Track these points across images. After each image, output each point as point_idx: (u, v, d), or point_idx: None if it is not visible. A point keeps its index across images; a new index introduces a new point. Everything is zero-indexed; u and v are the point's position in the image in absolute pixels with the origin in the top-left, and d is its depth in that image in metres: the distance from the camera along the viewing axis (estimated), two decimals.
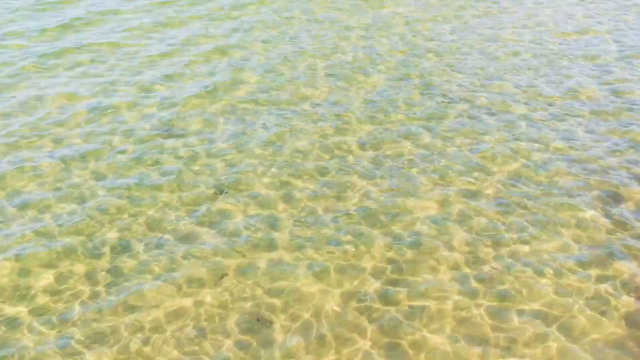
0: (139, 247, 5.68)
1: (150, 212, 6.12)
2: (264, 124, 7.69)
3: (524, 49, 9.92)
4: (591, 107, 8.13)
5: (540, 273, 5.41)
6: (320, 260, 5.55)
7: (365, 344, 4.74)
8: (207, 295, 5.16)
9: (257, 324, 4.92)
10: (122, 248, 5.66)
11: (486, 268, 5.46)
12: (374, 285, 5.28)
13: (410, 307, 5.06)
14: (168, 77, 8.86)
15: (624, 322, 4.94)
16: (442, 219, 6.05)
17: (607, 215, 6.12)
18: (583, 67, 9.32)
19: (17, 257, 5.50)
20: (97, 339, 4.74)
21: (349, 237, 5.81)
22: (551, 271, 5.43)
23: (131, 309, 5.02)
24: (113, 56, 9.54)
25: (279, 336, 4.80)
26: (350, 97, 8.37)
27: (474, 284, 5.30)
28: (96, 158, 6.96)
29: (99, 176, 6.65)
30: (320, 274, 5.39)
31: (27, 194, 6.36)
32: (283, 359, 4.61)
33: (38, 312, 4.98)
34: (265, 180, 6.62)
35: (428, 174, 6.73)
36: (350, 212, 6.15)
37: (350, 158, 7.03)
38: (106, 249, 5.64)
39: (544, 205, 6.23)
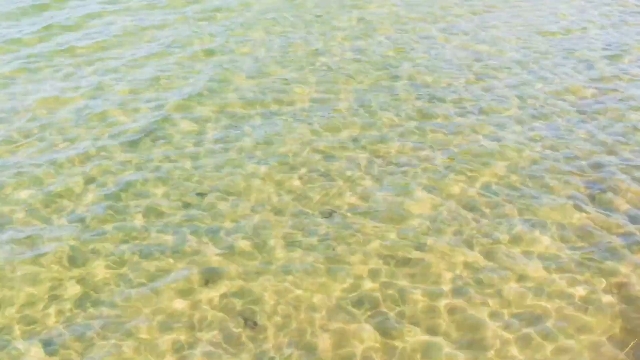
0: (125, 250, 5.64)
1: (138, 215, 6.07)
2: (252, 125, 7.65)
3: (509, 47, 9.95)
4: (578, 104, 8.18)
5: (527, 272, 5.43)
6: (311, 261, 5.53)
7: (360, 345, 4.73)
8: (198, 297, 5.14)
9: (245, 326, 4.89)
10: (109, 252, 5.61)
11: (478, 268, 5.48)
12: (368, 285, 5.27)
13: (402, 306, 5.06)
14: (154, 80, 8.78)
15: (609, 321, 4.96)
16: (433, 219, 6.05)
17: (594, 213, 6.15)
18: (569, 64, 9.36)
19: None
20: (79, 341, 4.70)
21: (341, 239, 5.79)
22: (539, 269, 5.45)
23: (118, 314, 4.98)
24: (98, 59, 9.44)
25: (269, 338, 4.77)
26: (339, 98, 8.35)
27: (466, 283, 5.31)
28: (82, 162, 6.89)
29: (86, 180, 6.59)
30: (311, 275, 5.37)
31: (13, 196, 6.30)
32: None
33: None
34: (255, 181, 6.58)
35: (418, 174, 6.72)
36: (342, 213, 6.13)
37: (340, 158, 7.01)
38: (92, 253, 5.59)
39: (533, 203, 6.26)
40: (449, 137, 7.42)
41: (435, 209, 6.20)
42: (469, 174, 6.73)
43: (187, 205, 6.24)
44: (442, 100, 8.29)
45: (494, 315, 5.01)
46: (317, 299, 5.14)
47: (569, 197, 6.36)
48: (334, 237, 5.81)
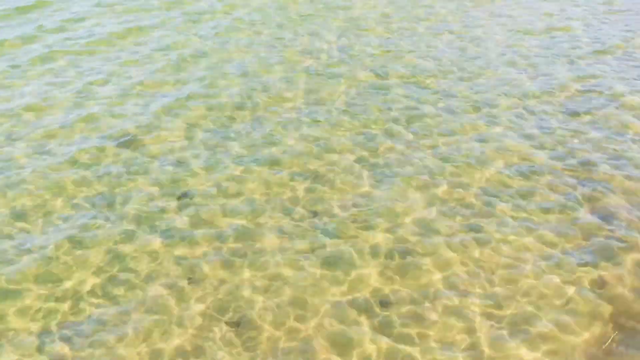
0: (113, 252, 5.58)
1: (126, 217, 6.02)
2: (241, 128, 7.61)
3: (496, 46, 9.98)
4: (564, 101, 8.21)
5: (519, 271, 5.44)
6: (304, 263, 5.50)
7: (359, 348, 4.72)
8: (195, 301, 5.10)
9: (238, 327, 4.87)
10: (97, 254, 5.56)
11: (472, 267, 5.48)
12: (366, 289, 5.25)
13: (402, 309, 5.05)
14: (141, 83, 8.71)
15: (590, 319, 4.98)
16: (426, 219, 6.04)
17: (582, 211, 6.17)
18: (555, 62, 9.40)
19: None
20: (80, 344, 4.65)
21: (334, 240, 5.77)
22: (529, 268, 5.47)
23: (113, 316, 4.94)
24: (83, 62, 9.36)
25: (265, 341, 4.75)
26: (327, 98, 8.32)
27: (459, 281, 5.31)
28: (68, 167, 6.82)
29: (73, 183, 6.52)
30: (306, 278, 5.34)
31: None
32: None
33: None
34: (250, 185, 6.55)
35: (408, 173, 6.72)
36: (335, 214, 6.10)
37: (330, 159, 6.98)
38: (82, 260, 5.53)
39: (522, 201, 6.27)
40: (437, 136, 7.41)
41: (426, 208, 6.19)
42: (458, 172, 6.73)
43: (172, 208, 6.20)
44: (430, 99, 8.28)
45: (483, 315, 5.01)
46: (310, 300, 5.11)
47: (559, 195, 6.37)
48: (323, 237, 5.79)
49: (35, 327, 4.88)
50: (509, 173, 6.73)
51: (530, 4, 12.00)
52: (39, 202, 6.27)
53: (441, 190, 6.47)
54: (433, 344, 4.75)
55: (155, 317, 4.97)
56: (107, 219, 6.04)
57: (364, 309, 5.05)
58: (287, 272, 5.41)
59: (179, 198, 6.34)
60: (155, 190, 6.47)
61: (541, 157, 7.01)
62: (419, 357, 4.64)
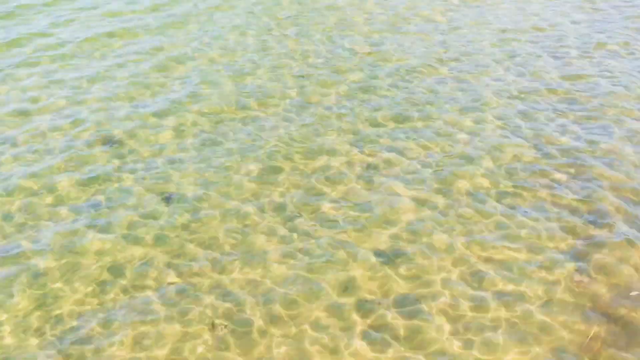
0: (105, 256, 5.53)
1: (116, 223, 5.96)
2: (229, 130, 7.56)
3: (484, 45, 9.99)
4: (554, 100, 8.23)
5: (509, 266, 5.46)
6: (298, 266, 5.48)
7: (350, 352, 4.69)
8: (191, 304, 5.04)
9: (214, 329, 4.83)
10: (89, 260, 5.48)
11: (462, 267, 5.48)
12: (358, 293, 5.23)
13: (396, 309, 5.04)
14: (128, 87, 8.63)
15: (569, 317, 5.00)
16: (417, 220, 6.03)
17: (574, 209, 6.19)
18: (543, 60, 9.43)
19: None
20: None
21: (329, 241, 5.76)
22: (521, 266, 5.48)
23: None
24: (69, 67, 9.26)
25: (258, 342, 4.71)
26: (317, 100, 8.29)
27: (454, 281, 5.30)
28: (56, 171, 6.73)
29: (62, 188, 6.44)
30: (298, 280, 5.31)
31: None
32: None
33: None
34: (239, 187, 6.51)
35: (400, 175, 6.70)
36: (328, 216, 6.08)
37: (322, 160, 6.96)
38: (71, 264, 5.47)
39: (514, 200, 6.28)
40: (428, 137, 7.40)
41: (418, 209, 6.18)
42: (450, 172, 6.73)
43: (160, 210, 6.15)
44: (420, 100, 8.28)
45: (472, 314, 5.01)
46: (306, 301, 5.08)
47: (548, 194, 6.39)
48: (313, 239, 5.76)
49: (24, 333, 4.82)
50: (500, 171, 6.74)
51: (517, 3, 12.03)
52: (26, 205, 6.20)
53: (432, 190, 6.46)
54: (425, 345, 4.75)
55: (145, 321, 4.93)
56: (95, 223, 5.99)
57: (356, 309, 5.03)
58: (278, 273, 5.38)
59: (166, 200, 6.30)
60: (142, 192, 6.42)
61: (530, 155, 7.02)
62: (412, 357, 4.63)
